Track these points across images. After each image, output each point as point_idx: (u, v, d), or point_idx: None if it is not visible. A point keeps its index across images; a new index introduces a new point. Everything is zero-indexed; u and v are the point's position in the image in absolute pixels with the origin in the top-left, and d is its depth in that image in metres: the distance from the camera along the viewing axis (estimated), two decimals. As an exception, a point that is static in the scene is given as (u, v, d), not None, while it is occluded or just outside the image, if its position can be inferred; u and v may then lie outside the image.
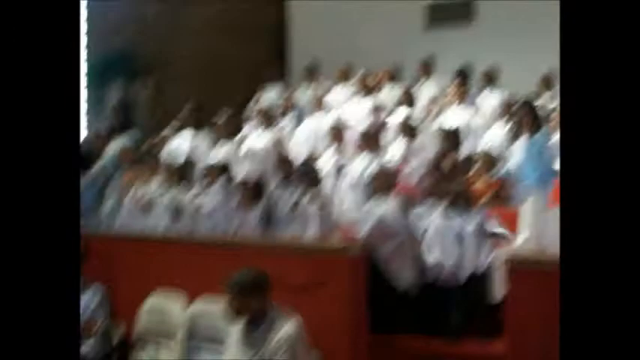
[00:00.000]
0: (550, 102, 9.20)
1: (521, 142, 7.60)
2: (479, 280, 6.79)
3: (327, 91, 10.49)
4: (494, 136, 8.74)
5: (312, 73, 11.23)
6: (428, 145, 8.93)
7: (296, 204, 7.42)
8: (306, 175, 7.66)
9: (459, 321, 6.75)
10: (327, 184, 8.21)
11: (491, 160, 7.97)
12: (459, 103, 9.39)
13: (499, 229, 6.88)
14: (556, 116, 8.45)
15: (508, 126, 8.53)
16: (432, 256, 6.89)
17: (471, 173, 8.02)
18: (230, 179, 8.10)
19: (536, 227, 6.97)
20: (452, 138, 8.29)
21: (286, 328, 4.84)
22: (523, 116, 7.51)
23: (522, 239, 7.01)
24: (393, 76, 10.44)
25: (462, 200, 6.98)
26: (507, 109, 8.64)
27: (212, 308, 5.91)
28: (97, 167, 9.19)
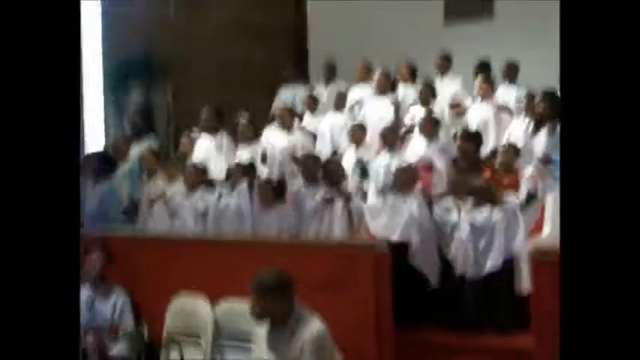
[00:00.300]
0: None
1: (543, 135, 7.56)
2: (504, 273, 6.81)
3: (347, 88, 10.47)
4: (515, 130, 8.71)
5: (330, 71, 11.22)
6: (450, 142, 8.93)
7: (324, 201, 7.43)
8: (331, 172, 7.68)
9: (485, 314, 6.77)
10: (350, 182, 8.24)
11: (513, 154, 7.94)
12: (484, 98, 9.35)
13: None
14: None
15: (529, 120, 8.49)
16: (457, 250, 6.91)
17: (495, 166, 7.99)
18: (254, 179, 8.13)
19: (558, 223, 6.93)
20: (473, 139, 8.25)
21: (311, 329, 4.84)
22: (545, 108, 7.49)
23: (546, 233, 6.99)
24: (412, 73, 10.40)
25: (485, 194, 6.99)
26: (529, 103, 8.59)
27: (239, 307, 5.93)
28: (120, 171, 9.24)
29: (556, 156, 7.27)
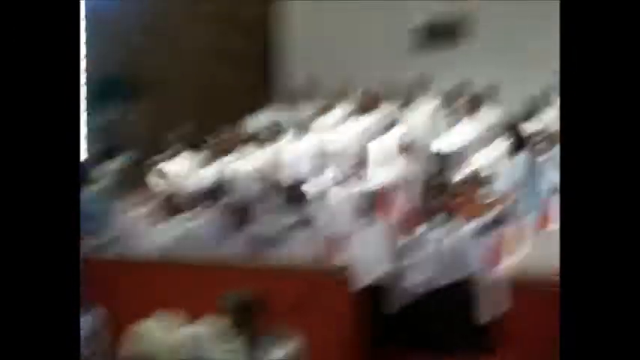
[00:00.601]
0: (540, 123, 9.25)
1: (512, 163, 7.65)
2: (470, 295, 6.86)
3: (318, 113, 10.48)
4: (488, 155, 8.77)
5: (301, 96, 11.26)
6: (420, 167, 9.00)
7: (289, 227, 7.47)
8: (296, 197, 7.72)
9: (452, 336, 6.81)
10: (317, 206, 8.26)
11: (481, 178, 8.00)
12: (468, 119, 9.40)
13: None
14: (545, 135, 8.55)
15: (502, 144, 8.57)
16: (420, 271, 6.98)
17: (462, 191, 8.05)
18: (221, 202, 8.16)
19: (526, 250, 7.01)
20: (442, 161, 8.34)
21: (284, 348, 4.87)
22: (518, 135, 7.59)
23: (519, 257, 7.04)
24: (385, 97, 10.44)
25: (450, 215, 7.06)
26: (506, 125, 8.68)
27: (206, 330, 5.93)
28: (94, 190, 9.23)
29: (527, 182, 7.38)
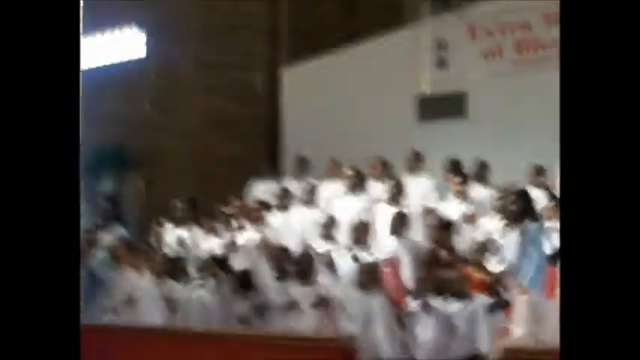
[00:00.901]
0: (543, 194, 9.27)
1: (514, 234, 7.60)
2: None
3: (317, 186, 10.46)
4: (488, 228, 8.74)
5: (302, 168, 11.26)
6: (419, 240, 8.96)
7: (291, 298, 7.40)
8: (303, 268, 7.66)
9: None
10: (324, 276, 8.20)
11: (486, 251, 7.97)
12: (458, 196, 9.39)
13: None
14: (549, 207, 8.54)
15: (500, 218, 8.54)
16: (424, 344, 6.88)
17: (465, 264, 8.02)
18: (224, 273, 8.09)
19: (531, 323, 6.93)
20: (447, 229, 8.31)
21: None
22: (517, 207, 7.55)
23: (517, 335, 6.95)
24: (384, 171, 10.44)
25: (455, 287, 6.99)
26: (500, 201, 8.65)
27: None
28: (89, 260, 9.17)
29: (529, 253, 7.32)
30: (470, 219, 8.91)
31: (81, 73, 10.69)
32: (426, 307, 7.05)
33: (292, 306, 7.42)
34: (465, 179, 9.53)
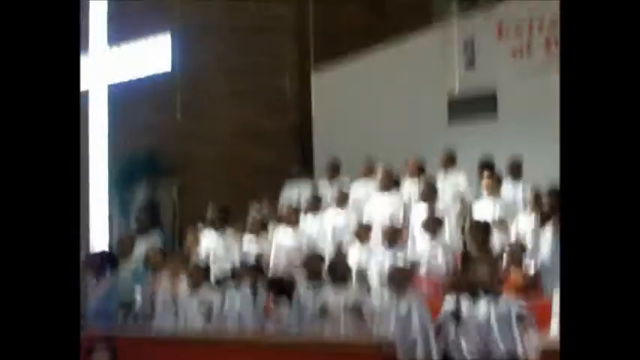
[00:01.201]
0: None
1: (550, 232, 7.57)
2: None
3: (349, 188, 10.47)
4: (522, 228, 8.71)
5: (334, 170, 11.28)
6: (453, 239, 8.95)
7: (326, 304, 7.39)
8: (336, 272, 7.64)
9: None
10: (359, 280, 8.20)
11: (520, 251, 7.93)
12: (490, 195, 9.35)
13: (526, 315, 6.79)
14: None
15: (535, 217, 8.50)
16: (459, 346, 6.83)
17: (502, 265, 7.98)
18: (259, 278, 8.11)
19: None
20: (484, 229, 8.29)
21: None
22: (551, 204, 7.52)
23: (554, 331, 6.89)
24: (417, 171, 10.44)
25: (488, 289, 6.94)
26: (534, 200, 8.61)
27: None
28: (126, 267, 9.24)
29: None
30: (502, 225, 8.84)
31: (112, 86, 10.91)
32: (464, 309, 6.99)
33: (327, 312, 7.40)
34: (496, 177, 9.50)
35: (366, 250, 8.82)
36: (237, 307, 7.93)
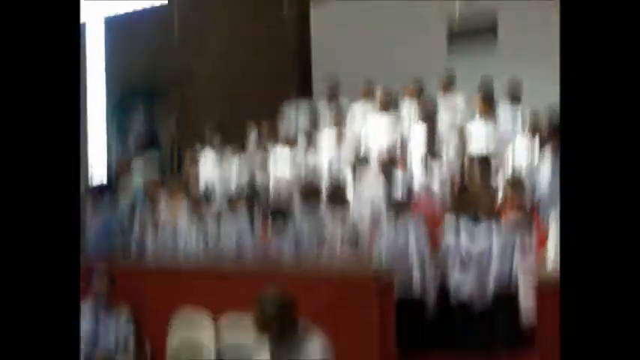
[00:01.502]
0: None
1: (549, 158, 7.54)
2: (507, 298, 6.78)
3: (348, 108, 10.42)
4: (518, 151, 8.68)
5: (332, 92, 11.21)
6: (451, 163, 8.93)
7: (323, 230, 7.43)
8: (335, 197, 7.65)
9: (485, 339, 6.74)
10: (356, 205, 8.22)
11: (520, 184, 7.88)
12: (484, 117, 9.30)
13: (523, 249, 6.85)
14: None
15: (533, 141, 8.46)
16: (457, 274, 6.90)
17: (501, 199, 7.97)
18: (256, 204, 8.15)
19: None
20: (483, 165, 8.26)
21: (315, 346, 4.84)
22: (549, 126, 7.47)
23: (550, 259, 6.93)
24: (416, 93, 10.38)
25: (487, 215, 6.97)
26: (532, 121, 8.55)
27: (241, 322, 5.93)
28: (124, 193, 9.29)
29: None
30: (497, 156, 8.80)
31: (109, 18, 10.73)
32: (462, 236, 7.04)
33: (325, 238, 7.45)
34: (489, 98, 9.42)
35: (364, 177, 8.80)
36: (234, 233, 8.00)
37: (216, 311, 6.43)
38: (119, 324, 6.64)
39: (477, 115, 9.32)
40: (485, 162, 8.31)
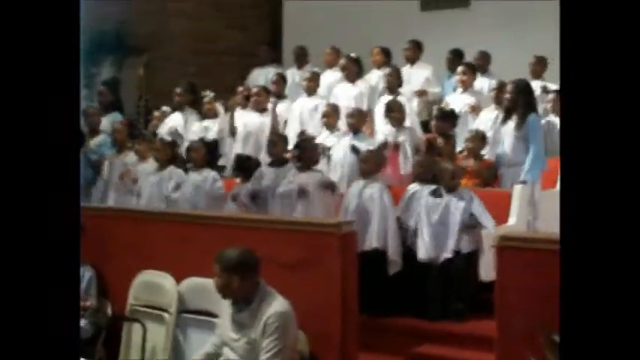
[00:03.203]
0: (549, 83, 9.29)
1: (512, 125, 7.61)
2: (466, 259, 6.85)
3: (317, 73, 10.38)
4: (484, 119, 8.76)
5: (301, 58, 11.19)
6: (415, 128, 8.96)
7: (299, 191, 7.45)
8: (306, 153, 7.65)
9: (446, 301, 6.81)
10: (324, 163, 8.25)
11: (481, 139, 8.01)
12: (465, 89, 9.36)
13: (483, 216, 6.91)
14: (553, 98, 8.55)
15: (498, 110, 8.52)
16: (419, 235, 6.96)
17: (461, 152, 8.09)
18: (218, 157, 8.17)
19: (524, 214, 7.01)
20: (449, 118, 8.34)
21: (275, 307, 4.89)
22: (516, 97, 7.53)
23: (511, 223, 7.03)
24: (387, 57, 10.39)
25: (450, 180, 7.03)
26: (499, 92, 8.62)
27: (203, 283, 5.93)
28: (89, 145, 9.23)
29: (527, 145, 7.37)
30: (473, 110, 8.90)
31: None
32: (426, 195, 7.09)
33: (290, 193, 7.48)
34: (471, 70, 9.48)
35: (333, 135, 8.80)
36: (203, 184, 8.06)
37: (180, 266, 6.39)
38: (82, 281, 6.53)
39: (459, 89, 9.40)
40: (449, 115, 8.41)
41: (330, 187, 7.38)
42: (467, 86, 9.37)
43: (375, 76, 10.13)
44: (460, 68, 9.49)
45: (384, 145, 8.26)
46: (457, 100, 9.28)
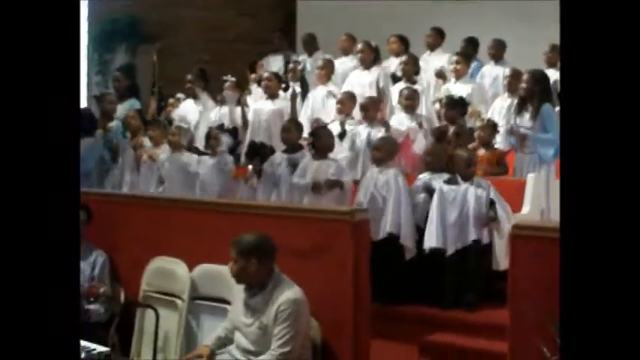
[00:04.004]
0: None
1: (526, 115, 7.57)
2: (481, 248, 6.82)
3: (330, 61, 10.33)
4: (498, 108, 8.73)
5: (309, 44, 11.16)
6: (431, 116, 8.93)
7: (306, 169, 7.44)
8: (321, 141, 7.62)
9: (459, 290, 6.79)
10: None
11: (493, 128, 7.98)
12: (458, 78, 9.33)
13: (500, 205, 6.88)
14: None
15: (512, 99, 8.48)
16: (434, 223, 6.92)
17: (474, 142, 8.06)
18: (233, 144, 8.17)
19: (537, 202, 6.97)
20: (459, 105, 8.31)
21: (289, 294, 4.89)
22: (532, 87, 7.48)
23: (525, 212, 6.99)
24: (404, 46, 10.34)
25: (466, 168, 7.00)
26: (512, 80, 8.57)
27: (216, 269, 5.94)
28: (101, 131, 9.23)
29: (538, 135, 7.32)
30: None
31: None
32: (439, 184, 7.06)
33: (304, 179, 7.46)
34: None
35: (347, 123, 8.76)
36: (211, 171, 8.05)
37: (194, 253, 6.39)
38: (94, 265, 6.52)
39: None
40: (461, 102, 8.40)
41: (337, 185, 7.31)
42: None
43: (393, 64, 10.07)
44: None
45: (400, 134, 8.20)
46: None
